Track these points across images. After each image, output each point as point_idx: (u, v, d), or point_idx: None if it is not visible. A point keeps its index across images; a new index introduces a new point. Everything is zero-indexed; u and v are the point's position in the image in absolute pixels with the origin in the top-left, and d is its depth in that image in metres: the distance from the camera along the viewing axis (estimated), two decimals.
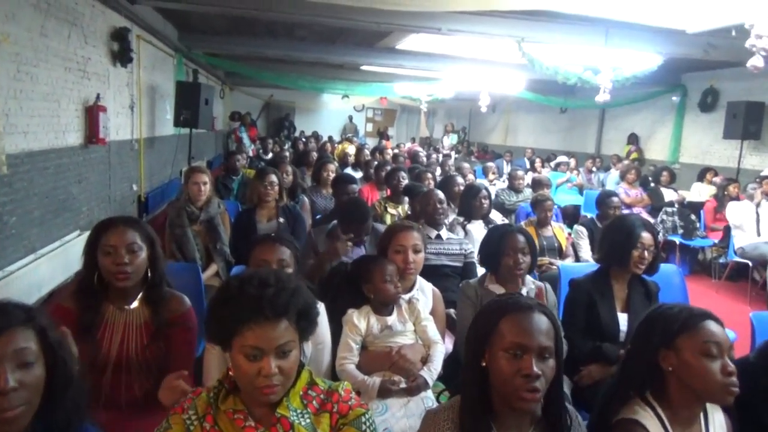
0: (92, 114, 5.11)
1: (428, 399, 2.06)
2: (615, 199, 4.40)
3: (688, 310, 1.50)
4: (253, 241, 2.16)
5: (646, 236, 2.51)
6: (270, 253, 2.03)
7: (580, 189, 8.91)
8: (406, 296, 2.31)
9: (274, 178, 3.95)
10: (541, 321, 1.31)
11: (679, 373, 1.44)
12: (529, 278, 2.57)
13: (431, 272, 3.28)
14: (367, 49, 9.34)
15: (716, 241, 6.42)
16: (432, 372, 2.11)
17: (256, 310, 1.23)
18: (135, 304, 1.95)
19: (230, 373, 1.32)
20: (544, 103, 11.91)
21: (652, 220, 6.87)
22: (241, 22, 8.04)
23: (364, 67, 11.16)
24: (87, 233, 5.06)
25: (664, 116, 10.55)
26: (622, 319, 2.50)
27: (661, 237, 6.67)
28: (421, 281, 2.49)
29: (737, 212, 5.81)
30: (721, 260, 6.25)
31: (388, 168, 5.27)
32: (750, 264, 5.60)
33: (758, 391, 1.66)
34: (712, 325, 1.46)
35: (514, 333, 1.29)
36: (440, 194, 3.47)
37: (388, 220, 4.57)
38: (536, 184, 5.66)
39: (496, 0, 5.25)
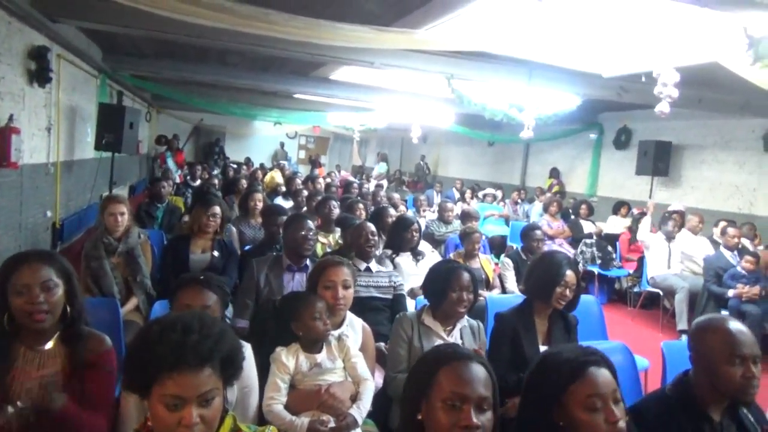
0: (3, 136, 4.80)
1: None
2: (538, 232, 4.59)
3: (569, 362, 1.48)
4: (178, 281, 2.06)
5: (570, 274, 2.63)
6: (195, 299, 1.94)
7: (507, 220, 9.22)
8: (336, 333, 2.28)
9: (218, 209, 3.85)
10: (480, 371, 1.32)
11: (568, 427, 1.45)
12: (464, 317, 2.61)
13: (360, 305, 3.27)
14: (300, 77, 9.36)
15: (631, 271, 6.81)
16: (361, 410, 2.09)
17: (179, 358, 1.18)
18: (50, 344, 1.80)
19: (148, 423, 1.25)
20: (472, 137, 12.35)
21: (572, 251, 7.22)
22: (170, 45, 7.85)
23: (297, 96, 11.17)
24: None
25: (582, 152, 11.17)
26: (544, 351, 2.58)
27: (581, 267, 7.00)
28: (350, 317, 2.48)
29: (650, 238, 6.17)
30: (636, 289, 6.61)
31: (319, 197, 5.25)
32: (660, 293, 5.95)
33: (671, 424, 1.74)
34: (594, 375, 1.45)
35: (453, 383, 1.28)
36: (372, 227, 3.48)
37: (319, 249, 4.53)
38: (465, 217, 5.81)
39: (427, 40, 5.41)
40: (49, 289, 1.73)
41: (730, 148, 8.31)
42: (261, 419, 2.05)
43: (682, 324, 5.49)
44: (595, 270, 6.79)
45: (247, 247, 4.71)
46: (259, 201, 5.44)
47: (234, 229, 4.75)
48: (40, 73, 5.58)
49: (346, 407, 2.07)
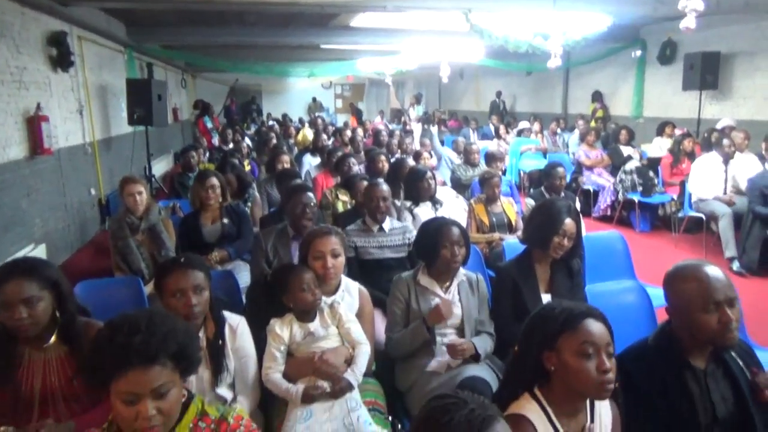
0: (34, 125, 5.03)
1: (353, 400, 2.11)
2: (560, 169, 4.43)
3: (568, 311, 1.52)
4: (158, 268, 2.13)
5: (569, 223, 2.55)
6: (184, 281, 1.98)
7: (545, 153, 8.95)
8: (329, 300, 2.34)
9: (215, 181, 3.90)
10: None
11: (559, 372, 1.48)
12: (461, 270, 2.61)
13: (375, 266, 3.31)
14: (321, 29, 9.22)
15: (674, 196, 6.52)
16: (356, 373, 2.16)
17: (125, 359, 1.25)
18: (51, 341, 1.92)
19: None
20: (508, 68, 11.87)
21: (612, 180, 6.97)
22: (189, 13, 7.88)
23: (323, 46, 11.02)
24: (42, 245, 5.03)
25: (626, 71, 10.55)
26: (546, 299, 2.55)
27: (620, 196, 6.78)
28: (346, 282, 2.52)
29: (704, 167, 5.77)
30: (680, 214, 6.34)
31: (339, 154, 5.25)
32: (704, 217, 5.70)
33: (653, 374, 1.71)
34: (590, 325, 1.48)
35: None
36: (384, 190, 3.39)
37: (340, 207, 4.58)
38: (489, 159, 5.66)
39: None
40: (31, 304, 1.81)
41: None
42: (263, 386, 2.17)
43: (729, 251, 5.25)
44: (636, 198, 6.55)
45: (272, 209, 4.81)
46: (285, 162, 5.51)
47: (257, 195, 4.85)
48: (61, 57, 5.74)
49: (341, 372, 2.14)
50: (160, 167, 10.22)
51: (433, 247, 2.49)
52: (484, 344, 2.43)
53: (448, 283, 2.55)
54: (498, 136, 9.93)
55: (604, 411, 1.57)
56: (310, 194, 3.16)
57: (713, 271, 1.68)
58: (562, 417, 1.51)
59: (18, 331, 1.83)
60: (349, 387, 2.12)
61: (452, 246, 2.48)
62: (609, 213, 7.03)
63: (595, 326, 1.48)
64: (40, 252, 4.90)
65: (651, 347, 1.79)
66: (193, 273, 2.02)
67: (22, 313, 1.79)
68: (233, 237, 3.85)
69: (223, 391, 2.06)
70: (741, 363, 1.75)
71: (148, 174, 7.75)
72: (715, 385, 1.70)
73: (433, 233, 2.53)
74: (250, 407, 2.09)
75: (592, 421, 1.55)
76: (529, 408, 1.51)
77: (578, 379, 1.45)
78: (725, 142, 5.74)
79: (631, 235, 6.39)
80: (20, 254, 4.70)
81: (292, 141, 8.98)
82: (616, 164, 7.27)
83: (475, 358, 2.37)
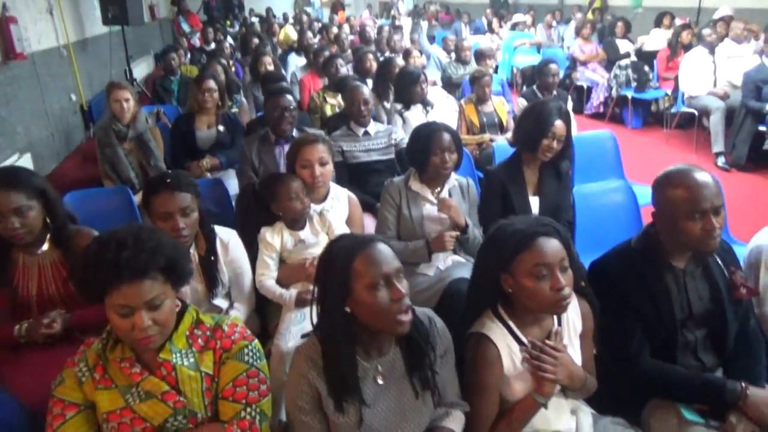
0: (2, 27, 4.76)
1: None
2: (553, 66, 4.29)
3: (520, 232, 1.49)
4: (146, 186, 2.07)
5: (558, 125, 2.50)
6: (171, 203, 1.94)
7: (539, 47, 8.66)
8: (318, 208, 2.35)
9: (212, 84, 3.78)
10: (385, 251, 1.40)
11: (516, 293, 1.51)
12: (453, 176, 2.60)
13: (364, 170, 3.31)
14: None
15: (668, 91, 6.41)
16: None
17: (115, 274, 1.26)
18: (44, 247, 1.97)
19: None
20: None
21: (606, 76, 6.82)
22: None
23: None
24: (28, 155, 4.95)
25: None
26: (534, 202, 2.58)
27: (614, 92, 6.66)
28: (335, 189, 2.53)
29: (692, 63, 5.66)
30: (673, 110, 6.28)
31: (326, 54, 5.06)
32: (696, 113, 5.65)
33: (635, 275, 1.76)
34: (542, 245, 1.46)
35: (371, 267, 1.35)
36: (365, 93, 3.31)
37: (328, 110, 4.49)
38: (479, 56, 5.45)
39: None
40: (22, 213, 1.84)
41: None
42: (257, 292, 2.24)
43: (717, 146, 5.27)
44: (629, 94, 6.44)
45: (260, 113, 4.71)
46: (268, 65, 5.32)
47: (245, 101, 4.72)
48: None
49: None
50: (141, 70, 9.84)
51: (424, 154, 2.45)
52: (473, 229, 2.47)
53: (439, 189, 2.56)
54: (491, 30, 9.53)
55: (571, 310, 1.60)
56: (289, 97, 3.06)
57: (703, 177, 1.65)
58: (525, 327, 1.57)
59: (14, 239, 1.87)
60: None
61: (443, 153, 2.44)
62: (602, 110, 6.94)
63: (548, 245, 1.46)
64: (26, 161, 4.83)
65: (633, 249, 1.82)
66: (180, 195, 1.96)
67: (15, 223, 1.83)
68: (226, 145, 3.80)
69: (219, 301, 2.12)
70: (720, 262, 1.80)
71: (129, 78, 7.48)
72: (693, 283, 1.76)
73: (424, 140, 2.48)
74: (246, 313, 2.17)
75: (560, 324, 1.61)
76: (490, 326, 1.55)
77: (533, 299, 1.47)
78: (705, 31, 5.63)
79: (623, 132, 6.36)
80: (6, 164, 4.64)
81: (276, 39, 8.59)
82: (611, 59, 7.07)
83: (462, 229, 2.42)
